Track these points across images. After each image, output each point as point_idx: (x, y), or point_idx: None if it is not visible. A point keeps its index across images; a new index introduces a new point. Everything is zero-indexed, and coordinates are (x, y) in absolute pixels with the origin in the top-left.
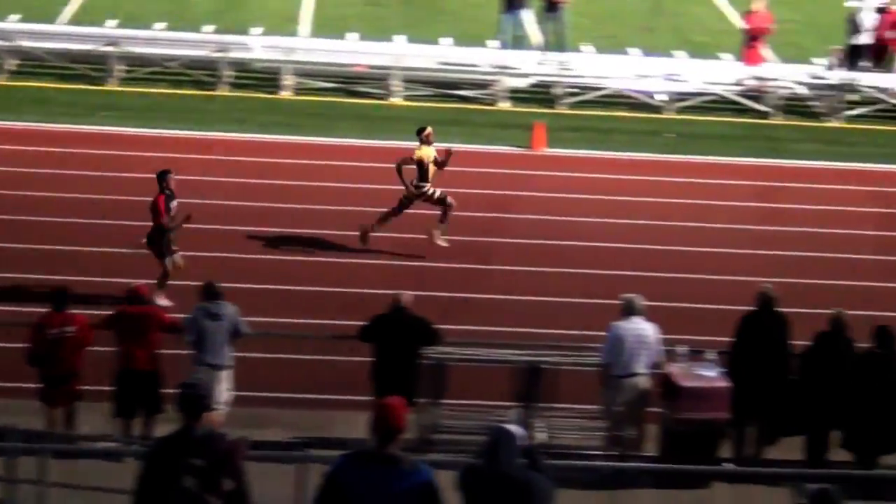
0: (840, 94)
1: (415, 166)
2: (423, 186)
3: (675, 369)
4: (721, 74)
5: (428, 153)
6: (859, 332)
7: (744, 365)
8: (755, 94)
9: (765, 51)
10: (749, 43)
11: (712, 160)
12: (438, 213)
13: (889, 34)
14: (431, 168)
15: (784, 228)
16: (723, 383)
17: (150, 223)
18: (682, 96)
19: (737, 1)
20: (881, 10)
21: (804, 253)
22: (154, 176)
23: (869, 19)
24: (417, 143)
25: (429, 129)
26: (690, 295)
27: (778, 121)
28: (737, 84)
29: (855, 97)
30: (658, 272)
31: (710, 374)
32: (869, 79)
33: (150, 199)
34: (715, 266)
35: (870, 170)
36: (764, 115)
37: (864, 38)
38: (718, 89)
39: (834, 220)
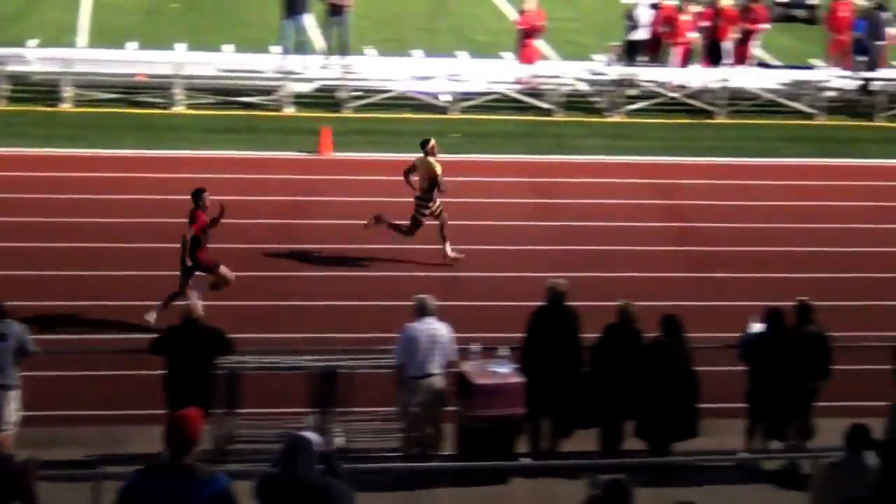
0: (620, 90)
1: (418, 176)
2: (431, 201)
3: (469, 367)
4: (503, 73)
5: (438, 166)
6: (647, 322)
7: (536, 360)
8: (537, 92)
9: (542, 48)
10: (523, 41)
11: (498, 158)
12: (400, 226)
13: (663, 28)
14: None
15: (570, 223)
16: (516, 379)
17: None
18: (466, 96)
19: (515, 0)
20: (655, 6)
21: (591, 247)
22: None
23: (645, 15)
24: (421, 155)
25: (433, 142)
26: (481, 293)
27: (560, 117)
28: (517, 82)
29: (634, 92)
30: (449, 272)
31: (503, 371)
32: (647, 73)
33: None
34: (504, 263)
35: (651, 162)
36: (547, 112)
37: (641, 34)
38: (501, 88)
39: (619, 213)
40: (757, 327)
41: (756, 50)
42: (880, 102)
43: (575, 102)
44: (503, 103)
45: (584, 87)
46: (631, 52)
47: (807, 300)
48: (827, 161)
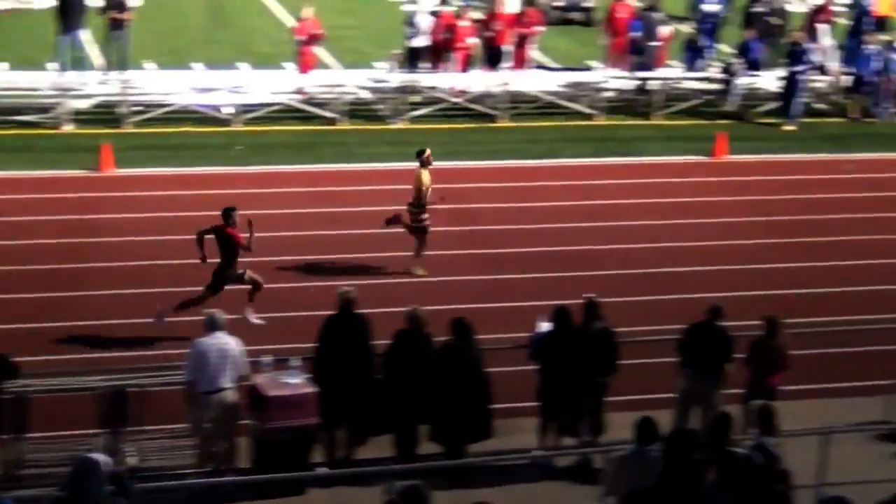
0: (402, 97)
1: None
2: (421, 209)
3: (261, 380)
4: (285, 84)
5: (426, 176)
6: (438, 326)
7: (328, 369)
8: (321, 101)
9: (324, 58)
10: (302, 50)
11: (283, 169)
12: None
13: (443, 35)
14: (429, 192)
15: (356, 231)
16: (309, 389)
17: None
18: (249, 108)
19: (294, 10)
20: (435, 13)
21: (378, 253)
22: None
23: (425, 22)
24: (416, 165)
25: (428, 152)
26: (271, 304)
27: (344, 126)
28: (299, 92)
29: (417, 98)
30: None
31: (296, 381)
32: (429, 80)
33: None
34: (292, 273)
35: (436, 167)
36: (330, 121)
37: (422, 41)
38: (283, 98)
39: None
40: (545, 326)
41: (534, 53)
42: (657, 101)
43: (358, 110)
44: (286, 113)
45: (366, 94)
46: (412, 58)
47: (594, 297)
48: (608, 160)
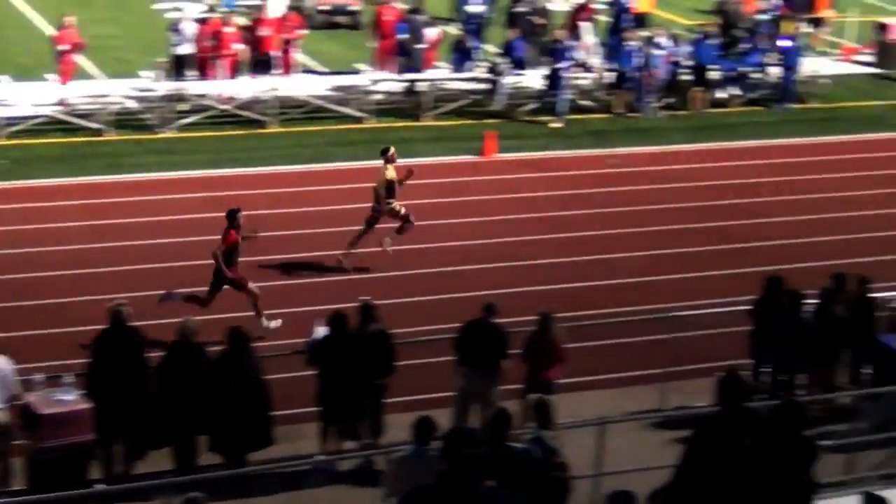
0: (170, 105)
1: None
2: (391, 203)
3: (33, 398)
4: (47, 95)
5: (393, 173)
6: (215, 334)
7: (103, 384)
8: (85, 112)
9: (88, 67)
10: (63, 59)
11: (49, 183)
12: (397, 225)
13: (209, 42)
14: (397, 186)
15: (126, 243)
16: (83, 405)
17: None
18: (12, 121)
19: (54, 19)
20: (200, 20)
21: (151, 265)
22: None
23: (190, 29)
24: (382, 163)
25: (392, 150)
26: (42, 321)
27: (111, 136)
28: (62, 104)
29: (185, 106)
30: (6, 302)
31: (69, 398)
32: (196, 87)
33: None
34: (62, 287)
35: (206, 176)
36: (97, 132)
37: (187, 48)
38: (47, 110)
39: (175, 229)
40: (322, 331)
41: (301, 57)
42: (425, 102)
43: (125, 120)
44: (51, 126)
45: (133, 104)
46: (178, 66)
47: (369, 300)
48: (378, 163)
